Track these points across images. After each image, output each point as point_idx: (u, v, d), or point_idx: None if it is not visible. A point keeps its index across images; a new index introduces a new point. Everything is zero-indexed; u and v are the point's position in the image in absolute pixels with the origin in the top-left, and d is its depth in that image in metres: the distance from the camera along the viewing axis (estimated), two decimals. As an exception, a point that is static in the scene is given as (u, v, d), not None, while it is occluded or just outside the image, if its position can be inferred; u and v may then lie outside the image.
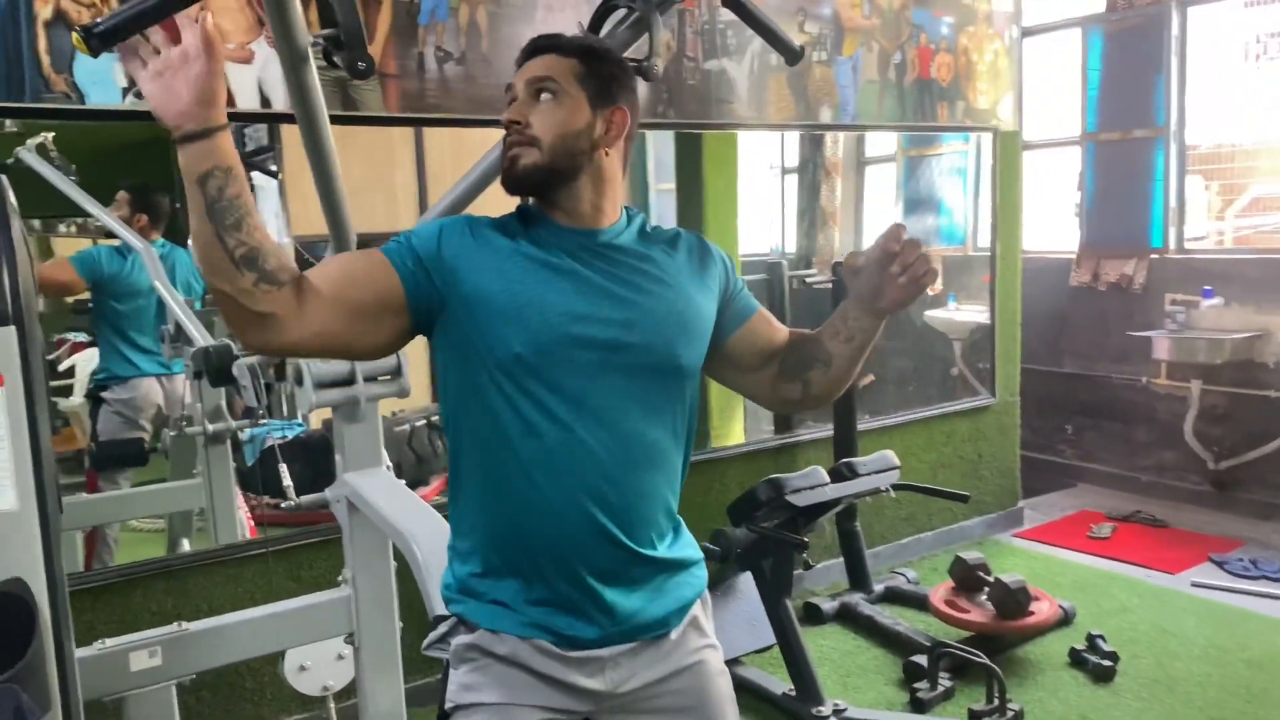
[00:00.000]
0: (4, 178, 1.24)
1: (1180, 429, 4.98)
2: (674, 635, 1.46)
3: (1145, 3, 5.05)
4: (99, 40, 1.13)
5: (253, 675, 2.94)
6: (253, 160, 3.66)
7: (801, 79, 3.91)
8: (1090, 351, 5.42)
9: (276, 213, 3.62)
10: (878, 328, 1.44)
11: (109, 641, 1.99)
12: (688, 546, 1.53)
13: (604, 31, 1.76)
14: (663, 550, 1.45)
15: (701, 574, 1.56)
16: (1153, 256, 5.11)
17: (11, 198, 1.24)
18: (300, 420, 3.81)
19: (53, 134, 2.96)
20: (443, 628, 1.52)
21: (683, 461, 1.50)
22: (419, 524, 2.02)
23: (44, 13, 2.51)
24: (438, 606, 1.70)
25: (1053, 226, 5.72)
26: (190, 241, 1.20)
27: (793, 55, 1.77)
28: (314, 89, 1.62)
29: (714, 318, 1.48)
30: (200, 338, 2.93)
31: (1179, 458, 5.06)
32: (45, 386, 1.21)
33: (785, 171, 5.10)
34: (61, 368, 3.62)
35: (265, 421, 3.58)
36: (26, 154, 3.01)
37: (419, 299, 1.33)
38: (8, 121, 2.90)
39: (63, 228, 3.40)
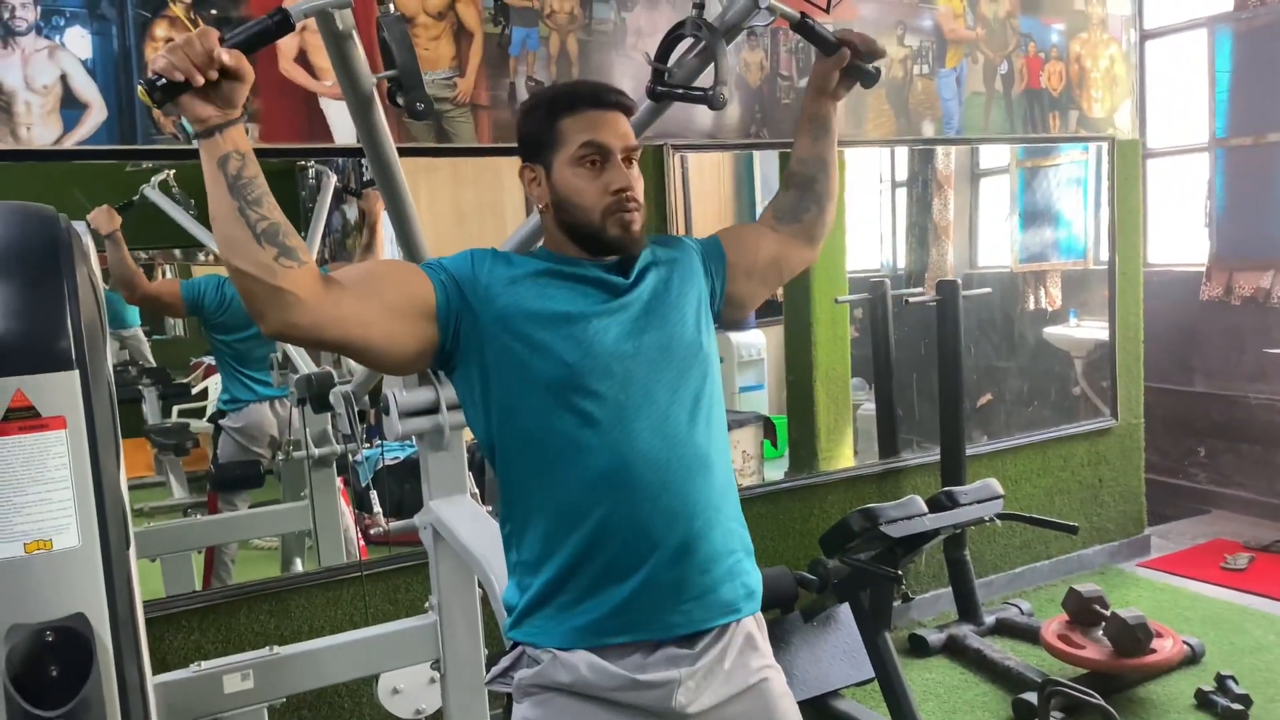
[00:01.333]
0: (77, 225, 1.29)
1: (1325, 452, 4.65)
2: (736, 644, 1.46)
3: (1278, 0, 4.76)
4: (162, 94, 1.20)
5: (351, 695, 3.00)
6: (371, 188, 3.79)
7: (902, 93, 3.81)
8: (1224, 369, 5.11)
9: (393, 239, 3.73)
10: (833, 108, 1.72)
11: (204, 664, 2.07)
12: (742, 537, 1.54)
13: (672, 60, 1.75)
14: (720, 534, 1.46)
15: (754, 569, 1.55)
16: (1292, 267, 4.79)
17: (87, 242, 1.29)
18: (413, 443, 3.92)
19: (174, 171, 3.13)
20: (505, 661, 1.52)
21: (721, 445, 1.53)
22: (498, 553, 2.03)
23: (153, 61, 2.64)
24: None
25: (1180, 238, 5.43)
26: (212, 224, 1.26)
27: (870, 80, 1.73)
28: (380, 127, 1.65)
29: (709, 294, 1.62)
30: (304, 365, 3.04)
31: (1325, 483, 4.73)
32: (116, 424, 1.25)
33: (895, 185, 4.99)
34: (195, 390, 3.81)
35: (380, 443, 3.68)
36: (150, 191, 3.21)
37: (449, 311, 1.40)
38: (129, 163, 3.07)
39: (202, 256, 3.59)
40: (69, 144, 2.59)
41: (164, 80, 1.18)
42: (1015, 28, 4.03)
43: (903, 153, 4.62)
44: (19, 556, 1.13)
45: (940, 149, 4.78)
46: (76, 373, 1.17)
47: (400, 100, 1.47)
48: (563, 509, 1.41)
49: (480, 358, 1.41)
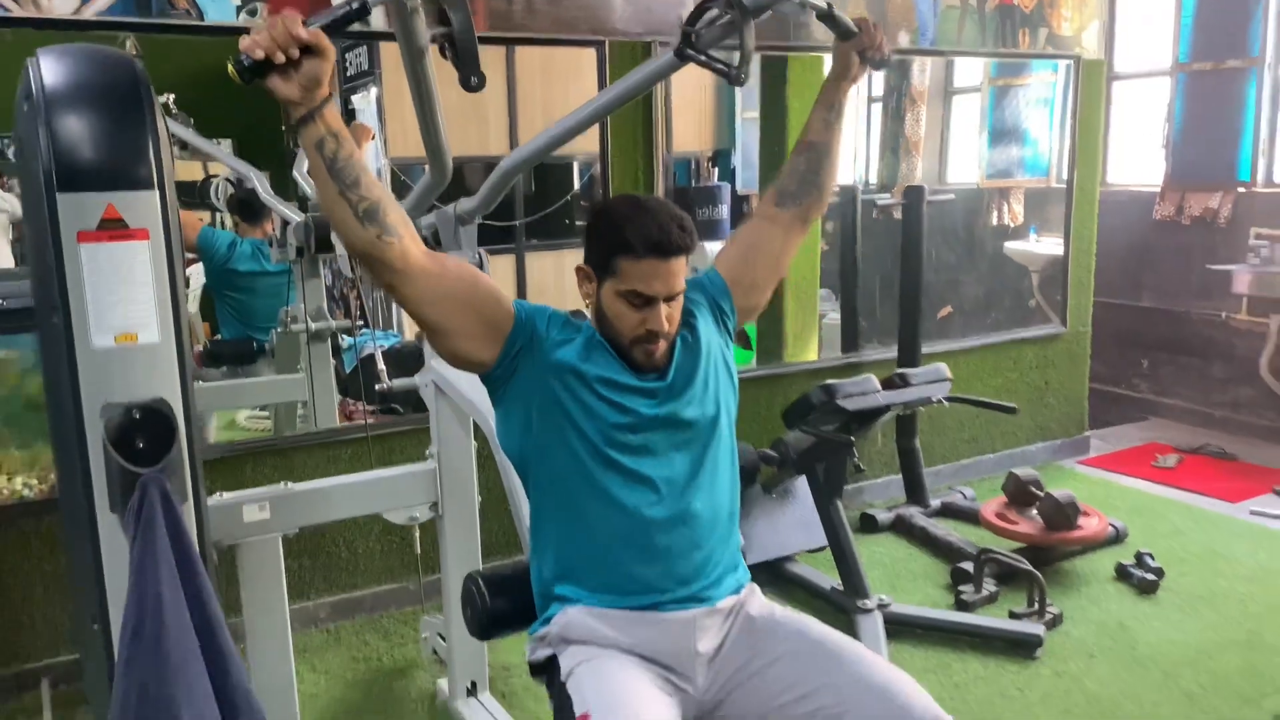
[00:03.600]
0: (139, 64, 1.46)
1: (1257, 365, 4.95)
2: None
3: (1247, -72, 4.93)
4: (249, 72, 1.34)
5: (349, 546, 3.25)
6: (354, 84, 3.90)
7: (881, 3, 3.97)
8: (1171, 286, 5.40)
9: (375, 131, 3.85)
10: (848, 92, 1.89)
11: (226, 495, 2.28)
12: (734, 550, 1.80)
13: (700, 24, 1.83)
14: (721, 569, 1.73)
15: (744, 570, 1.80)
16: (1239, 190, 5.04)
17: (155, 96, 1.46)
18: (395, 331, 4.11)
19: (173, 95, 3.20)
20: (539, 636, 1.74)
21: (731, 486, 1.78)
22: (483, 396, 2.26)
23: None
24: (509, 466, 1.94)
25: (1139, 160, 5.66)
26: (320, 202, 1.47)
27: (881, 64, 1.88)
28: (429, 76, 1.78)
29: (725, 330, 1.84)
30: (297, 215, 3.16)
31: (1254, 394, 5.05)
32: (180, 242, 1.44)
33: (871, 100, 5.15)
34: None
35: (363, 331, 3.87)
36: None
37: (515, 343, 1.64)
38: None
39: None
40: (87, 14, 2.72)
41: (250, 59, 1.32)
42: (992, -57, 4.18)
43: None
44: (110, 346, 1.34)
45: (916, 66, 4.95)
46: (157, 192, 1.36)
47: (449, 56, 1.64)
48: (580, 549, 1.67)
49: (531, 395, 1.65)
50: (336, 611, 3.25)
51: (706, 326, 1.79)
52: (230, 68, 1.33)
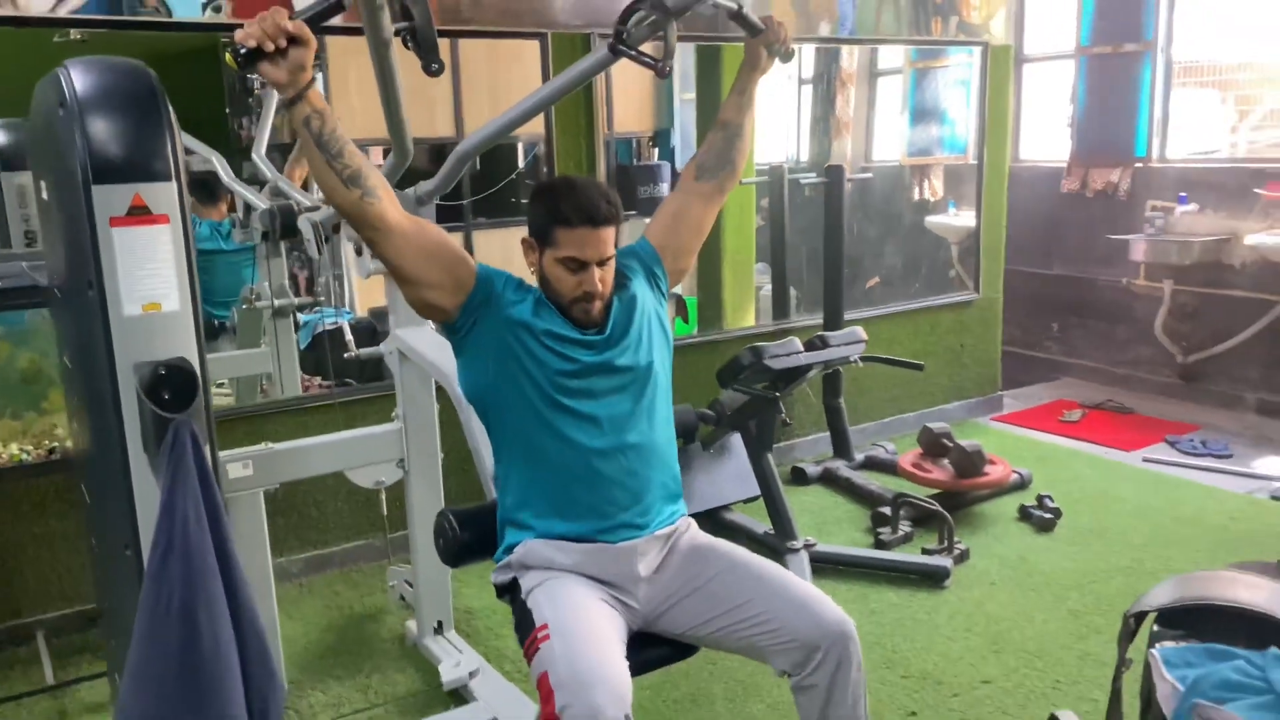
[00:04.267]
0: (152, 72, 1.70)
1: (1153, 326, 5.38)
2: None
3: (1141, -79, 5.30)
4: (244, 59, 1.57)
5: (318, 507, 3.50)
6: None
7: (804, -6, 4.27)
8: (1077, 255, 5.81)
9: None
10: (757, 81, 2.18)
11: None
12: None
13: (630, 23, 2.00)
14: (660, 497, 2.02)
15: (681, 506, 2.11)
16: (1137, 165, 5.45)
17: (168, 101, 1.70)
18: (348, 309, 4.33)
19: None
20: (503, 564, 2.02)
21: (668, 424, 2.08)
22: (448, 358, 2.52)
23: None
24: (473, 424, 2.22)
25: (1049, 137, 6.05)
26: (311, 174, 1.75)
27: (787, 58, 2.17)
28: (393, 65, 2.02)
29: (658, 289, 2.12)
30: (263, 202, 3.37)
31: (1152, 352, 5.49)
32: (191, 224, 1.69)
33: (802, 82, 5.44)
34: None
35: (318, 310, 4.09)
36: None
37: (475, 300, 1.92)
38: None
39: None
40: (62, 13, 2.91)
41: (244, 49, 1.57)
42: (905, -62, 4.50)
43: (810, 51, 5.05)
44: (138, 314, 1.59)
45: (845, 49, 5.25)
46: (174, 184, 1.61)
47: (411, 47, 1.88)
48: (535, 482, 1.95)
49: (489, 344, 1.93)
50: (309, 567, 3.50)
51: (641, 288, 2.08)
52: (228, 56, 1.58)
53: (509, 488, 1.99)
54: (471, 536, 2.08)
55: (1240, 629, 1.90)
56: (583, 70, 2.21)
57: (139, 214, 1.57)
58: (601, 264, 1.94)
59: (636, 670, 1.91)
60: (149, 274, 1.58)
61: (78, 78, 1.56)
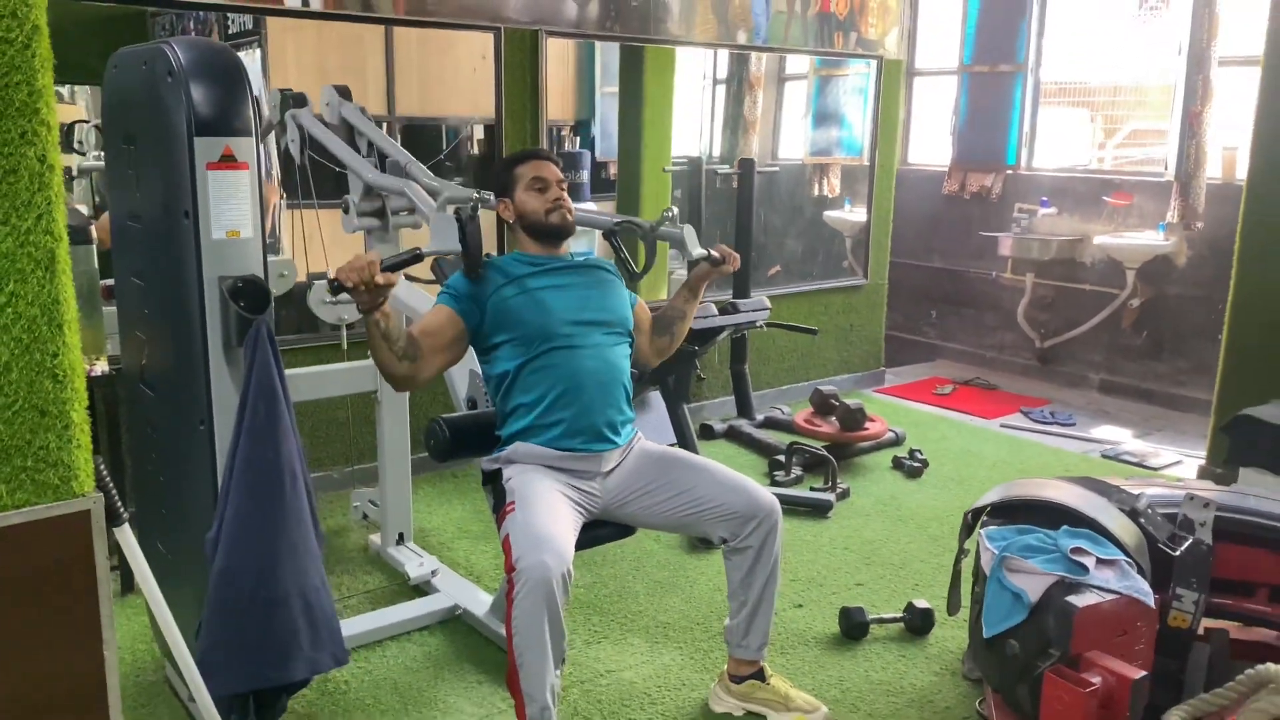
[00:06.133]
0: (232, 50, 2.15)
1: (1016, 314, 6.14)
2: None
3: (1018, -43, 6.04)
4: (337, 289, 2.07)
5: (284, 439, 3.91)
6: (236, 42, 4.43)
7: (723, 5, 4.84)
8: (955, 250, 6.54)
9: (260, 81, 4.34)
10: (698, 301, 2.79)
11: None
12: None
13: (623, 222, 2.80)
14: (623, 410, 2.56)
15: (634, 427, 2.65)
16: (1008, 172, 6.19)
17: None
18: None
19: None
20: (494, 458, 2.53)
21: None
22: (429, 305, 3.01)
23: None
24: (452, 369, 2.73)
25: (935, 144, 6.77)
26: (371, 356, 2.28)
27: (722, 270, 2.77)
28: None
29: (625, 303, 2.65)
30: None
31: (1015, 338, 6.25)
32: (260, 168, 2.14)
33: (716, 83, 5.98)
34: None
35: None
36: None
37: (471, 319, 2.44)
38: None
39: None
40: (80, -13, 3.28)
41: (340, 285, 2.06)
42: (813, -39, 5.11)
43: (724, 55, 5.60)
44: (223, 239, 2.04)
45: (754, 54, 5.83)
46: (253, 138, 2.07)
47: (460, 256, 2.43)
48: (534, 391, 2.44)
49: (496, 317, 2.45)
50: (274, 493, 3.91)
51: (618, 284, 2.65)
52: (327, 284, 2.10)
53: (510, 397, 2.48)
54: (457, 439, 2.57)
55: (1047, 517, 2.53)
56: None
57: (228, 161, 2.02)
58: (560, 185, 2.54)
59: (585, 545, 2.46)
60: (232, 209, 2.03)
61: (182, 53, 2.00)
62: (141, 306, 2.30)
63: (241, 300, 2.03)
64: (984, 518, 2.70)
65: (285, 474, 2.02)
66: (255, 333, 2.00)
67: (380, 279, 2.08)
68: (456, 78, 4.48)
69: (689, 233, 2.67)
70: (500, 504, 2.39)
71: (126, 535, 1.63)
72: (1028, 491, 2.70)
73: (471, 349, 2.54)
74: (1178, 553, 2.50)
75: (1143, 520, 2.59)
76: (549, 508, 2.31)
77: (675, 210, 2.75)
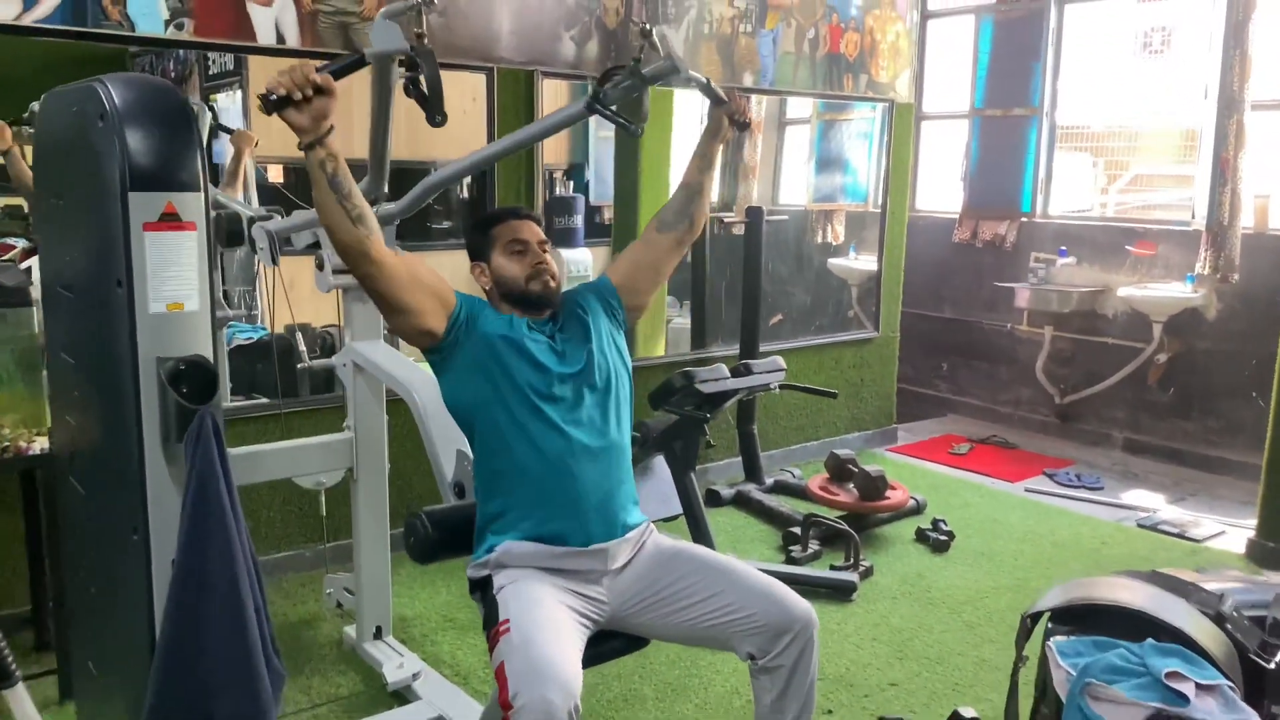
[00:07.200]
0: (180, 91, 1.83)
1: (1034, 368, 5.83)
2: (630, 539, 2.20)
3: (1030, -3, 5.81)
4: (272, 105, 1.73)
5: (251, 515, 3.55)
6: (217, 82, 4.16)
7: (729, 47, 4.56)
8: (967, 300, 6.25)
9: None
10: (718, 149, 2.38)
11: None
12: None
13: (608, 85, 2.24)
14: (621, 496, 2.20)
15: (637, 510, 2.28)
16: (1022, 220, 5.92)
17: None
18: (263, 325, 4.37)
19: None
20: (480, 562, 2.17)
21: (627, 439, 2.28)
22: (415, 375, 2.67)
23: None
24: (434, 433, 2.38)
25: (944, 189, 6.50)
26: (316, 210, 1.88)
27: (744, 129, 2.39)
28: (390, 110, 2.21)
29: (614, 319, 2.31)
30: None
31: (1032, 393, 5.93)
32: (211, 234, 1.82)
33: (713, 126, 5.71)
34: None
35: (231, 325, 4.13)
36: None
37: (457, 319, 2.11)
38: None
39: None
40: (27, 21, 2.97)
41: (274, 95, 1.73)
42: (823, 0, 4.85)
43: (718, 87, 5.32)
44: (163, 312, 1.71)
45: (754, 97, 5.57)
46: (201, 194, 1.74)
47: (413, 95, 2.07)
48: (515, 485, 2.10)
49: (472, 358, 2.11)
50: (240, 575, 3.54)
51: (596, 314, 2.29)
52: (258, 99, 1.73)
53: (492, 491, 2.14)
54: (442, 536, 2.22)
55: (1121, 625, 2.19)
56: (557, 121, 2.43)
57: (170, 220, 1.69)
58: (541, 247, 2.23)
59: (592, 662, 2.10)
60: (174, 276, 1.70)
61: (115, 93, 1.68)
62: (72, 388, 1.96)
63: (184, 386, 1.69)
64: (1047, 624, 2.36)
65: (230, 599, 1.66)
66: (198, 426, 1.66)
67: (318, 78, 1.75)
68: (447, 120, 4.21)
69: (670, 41, 2.26)
70: (492, 621, 2.03)
71: (20, 697, 1.28)
72: (1096, 593, 2.36)
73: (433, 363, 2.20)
74: (1272, 664, 2.17)
75: (1229, 625, 2.26)
76: (550, 625, 1.96)
77: (652, 25, 2.31)
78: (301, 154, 1.82)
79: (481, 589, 2.14)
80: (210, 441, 1.65)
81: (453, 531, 2.24)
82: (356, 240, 1.90)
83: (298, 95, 1.74)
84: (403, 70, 2.08)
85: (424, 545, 2.21)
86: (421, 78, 2.03)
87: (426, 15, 2.11)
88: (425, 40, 2.06)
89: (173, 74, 3.80)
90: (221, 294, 3.80)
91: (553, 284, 2.22)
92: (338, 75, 1.81)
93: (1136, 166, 6.10)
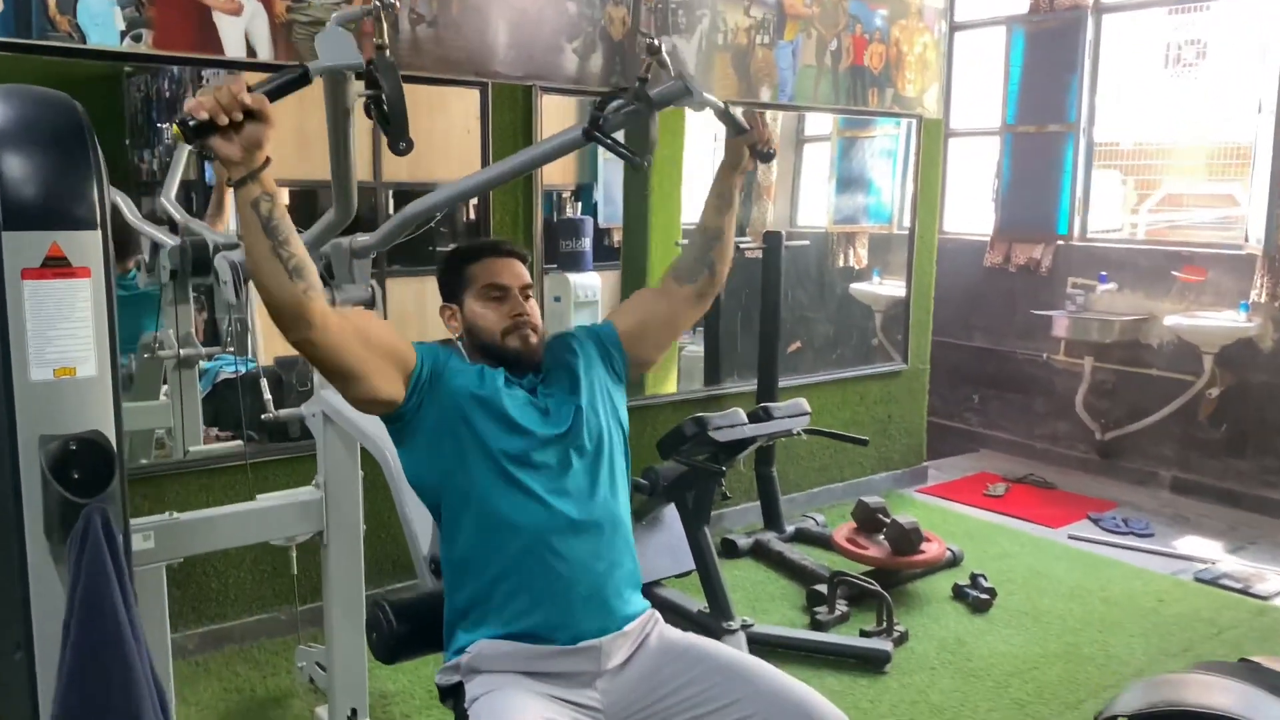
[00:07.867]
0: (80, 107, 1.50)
1: (1073, 401, 5.45)
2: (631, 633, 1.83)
3: (1065, 6, 5.46)
4: (193, 132, 1.38)
5: (219, 577, 3.22)
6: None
7: (745, 59, 4.24)
8: (999, 328, 5.88)
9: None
10: (739, 183, 2.01)
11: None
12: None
13: (608, 110, 1.89)
14: (619, 575, 1.83)
15: (639, 597, 1.92)
16: (1059, 243, 5.55)
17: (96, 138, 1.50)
18: (251, 358, 4.07)
19: None
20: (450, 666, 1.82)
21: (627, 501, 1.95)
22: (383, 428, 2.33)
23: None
24: (407, 500, 2.03)
25: (973, 210, 6.15)
26: (246, 258, 1.53)
27: (767, 158, 2.04)
28: (349, 133, 1.87)
29: (611, 370, 2.00)
30: (171, 239, 3.08)
31: (1071, 428, 5.55)
32: (114, 280, 1.49)
33: (727, 145, 5.40)
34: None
35: (217, 357, 3.82)
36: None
37: (419, 380, 1.77)
38: None
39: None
40: (-37, 32, 2.66)
41: (194, 120, 1.37)
42: (845, 9, 4.52)
43: (738, 114, 5.02)
44: (49, 380, 1.37)
45: (769, 114, 5.25)
46: (99, 233, 1.41)
47: (374, 117, 1.72)
48: (493, 573, 1.76)
49: (438, 421, 1.78)
50: (205, 643, 3.21)
51: (590, 363, 1.96)
52: (174, 127, 1.38)
53: (462, 581, 1.80)
54: (408, 630, 1.89)
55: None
56: (551, 148, 2.08)
57: (56, 265, 1.36)
58: (523, 293, 1.91)
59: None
60: (63, 334, 1.37)
61: (-9, 107, 1.35)
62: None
63: (74, 471, 1.35)
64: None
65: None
66: (84, 525, 1.32)
67: (248, 99, 1.39)
68: (448, 140, 3.91)
69: (681, 58, 1.90)
70: None
71: None
72: (1180, 696, 2.01)
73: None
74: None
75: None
76: None
77: (660, 40, 1.97)
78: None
79: (454, 697, 1.80)
80: (100, 544, 1.31)
81: (422, 624, 1.90)
82: (292, 298, 1.52)
83: (224, 120, 1.38)
84: (360, 87, 1.72)
85: (388, 642, 1.87)
86: (383, 96, 1.67)
87: (387, 22, 1.77)
88: (387, 52, 1.71)
89: (165, 94, 3.57)
90: (193, 330, 3.51)
91: (533, 339, 1.89)
92: (274, 95, 1.45)
93: (1168, 185, 5.75)
